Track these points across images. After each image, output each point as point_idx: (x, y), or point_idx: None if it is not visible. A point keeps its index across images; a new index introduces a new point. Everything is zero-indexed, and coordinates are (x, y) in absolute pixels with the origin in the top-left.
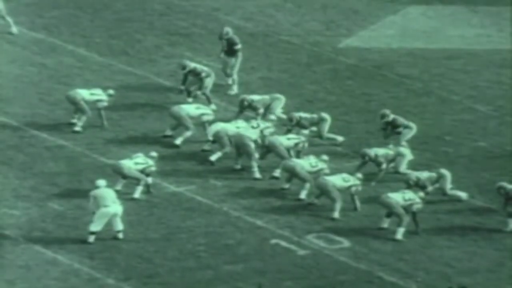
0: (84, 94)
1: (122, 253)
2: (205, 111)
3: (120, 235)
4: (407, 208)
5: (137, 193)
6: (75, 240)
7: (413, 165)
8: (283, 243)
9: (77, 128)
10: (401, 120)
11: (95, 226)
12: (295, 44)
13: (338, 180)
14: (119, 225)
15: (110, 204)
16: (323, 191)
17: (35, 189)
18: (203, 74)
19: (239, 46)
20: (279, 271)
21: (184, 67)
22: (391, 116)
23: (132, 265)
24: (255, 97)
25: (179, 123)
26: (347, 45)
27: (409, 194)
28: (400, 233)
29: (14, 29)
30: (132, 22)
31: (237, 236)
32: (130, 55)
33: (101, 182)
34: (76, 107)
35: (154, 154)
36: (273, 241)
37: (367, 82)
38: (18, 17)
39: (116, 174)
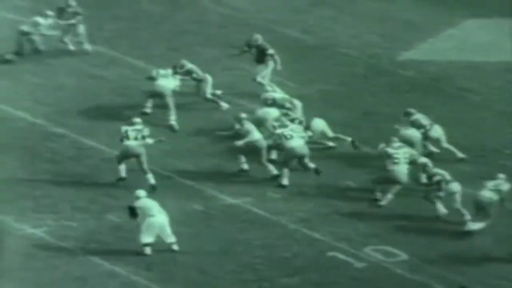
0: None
1: (179, 265)
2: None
3: (175, 247)
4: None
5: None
6: (132, 252)
7: (470, 178)
8: (340, 256)
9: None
10: (424, 121)
11: (147, 238)
12: (353, 56)
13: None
14: (171, 238)
15: (155, 214)
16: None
17: (92, 200)
18: (194, 75)
19: (271, 51)
20: (335, 284)
21: (182, 66)
22: (415, 116)
23: (189, 278)
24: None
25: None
26: (405, 57)
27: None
28: (476, 226)
29: (88, 46)
30: (191, 34)
31: (294, 249)
32: None
33: (141, 192)
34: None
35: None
36: (330, 253)
37: (425, 95)
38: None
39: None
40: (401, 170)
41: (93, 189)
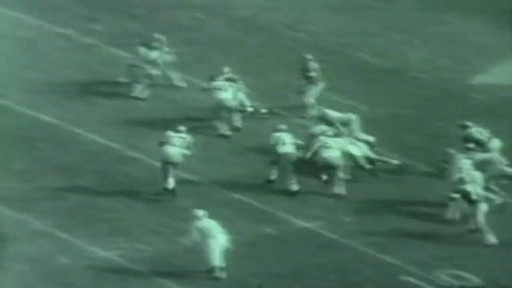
0: None
1: None
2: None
3: (223, 274)
4: None
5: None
6: (204, 275)
7: None
8: (412, 280)
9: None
10: (477, 136)
11: (215, 260)
12: (424, 80)
13: None
14: (221, 261)
15: (217, 235)
16: None
17: (165, 224)
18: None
19: (312, 74)
20: None
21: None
22: (471, 129)
23: None
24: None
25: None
26: (477, 81)
27: None
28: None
29: (182, 83)
30: (263, 58)
31: (365, 272)
32: (262, 90)
33: (202, 213)
34: None
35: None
36: (402, 277)
37: (498, 119)
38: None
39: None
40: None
41: (165, 212)
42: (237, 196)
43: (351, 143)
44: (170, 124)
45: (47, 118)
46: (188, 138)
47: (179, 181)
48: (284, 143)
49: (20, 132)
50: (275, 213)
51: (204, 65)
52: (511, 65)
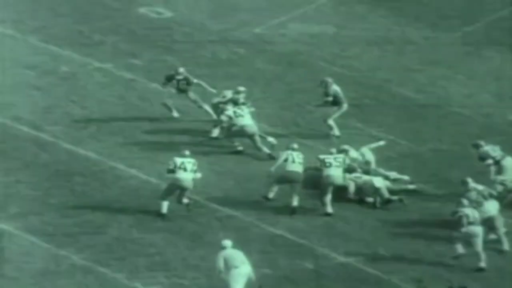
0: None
1: None
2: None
3: None
4: None
5: None
6: None
7: None
8: None
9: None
10: (491, 153)
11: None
12: (466, 115)
13: None
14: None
15: (239, 265)
16: None
17: (204, 259)
18: (194, 80)
19: (328, 99)
20: None
21: (178, 73)
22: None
23: None
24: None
25: None
26: None
27: None
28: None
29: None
30: (303, 93)
31: None
32: (301, 126)
33: (227, 243)
34: None
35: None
36: None
37: None
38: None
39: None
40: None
41: (205, 247)
42: (277, 231)
43: (375, 175)
44: (210, 159)
45: (85, 152)
46: (194, 162)
47: (218, 216)
48: (293, 162)
49: (59, 167)
50: (315, 247)
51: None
52: None
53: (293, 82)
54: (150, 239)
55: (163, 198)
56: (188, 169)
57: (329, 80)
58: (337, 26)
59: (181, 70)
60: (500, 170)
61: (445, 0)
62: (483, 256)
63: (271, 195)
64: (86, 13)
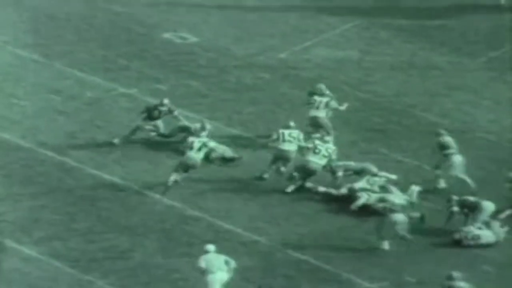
0: None
1: None
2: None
3: None
4: None
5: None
6: None
7: None
8: None
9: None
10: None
11: None
12: (492, 141)
13: None
14: None
15: (215, 271)
16: None
17: (228, 284)
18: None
19: (311, 101)
20: None
21: (162, 104)
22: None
23: None
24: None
25: None
26: None
27: None
28: None
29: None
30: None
31: None
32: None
33: (211, 247)
34: None
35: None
36: None
37: None
38: (214, 113)
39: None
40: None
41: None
42: (302, 256)
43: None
44: (232, 183)
45: (110, 177)
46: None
47: (245, 243)
48: (284, 140)
49: (83, 192)
50: (340, 273)
51: (267, 124)
52: None
53: None
54: (175, 265)
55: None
56: (194, 148)
57: (322, 86)
58: (361, 51)
59: (166, 101)
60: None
61: (470, 25)
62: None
63: (266, 175)
64: (111, 38)
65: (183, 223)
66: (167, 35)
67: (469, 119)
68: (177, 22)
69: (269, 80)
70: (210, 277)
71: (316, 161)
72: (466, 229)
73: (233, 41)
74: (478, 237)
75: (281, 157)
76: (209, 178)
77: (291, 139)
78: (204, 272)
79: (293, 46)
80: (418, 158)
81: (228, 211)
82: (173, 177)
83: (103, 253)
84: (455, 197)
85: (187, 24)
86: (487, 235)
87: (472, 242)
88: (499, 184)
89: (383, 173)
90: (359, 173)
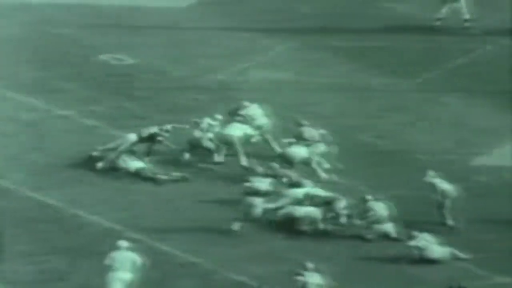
0: None
1: None
2: None
3: None
4: None
5: None
6: None
7: None
8: None
9: None
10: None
11: None
12: (427, 161)
13: None
14: None
15: (117, 269)
16: None
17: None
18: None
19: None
20: None
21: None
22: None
23: None
24: None
25: None
26: (478, 163)
27: None
28: None
29: None
30: None
31: None
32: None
33: (123, 243)
34: None
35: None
36: None
37: (500, 201)
38: None
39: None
40: None
41: None
42: (239, 277)
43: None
44: (171, 205)
45: (49, 199)
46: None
47: (180, 264)
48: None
49: (23, 214)
50: None
51: None
52: (511, 147)
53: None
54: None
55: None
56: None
57: (246, 103)
58: (298, 73)
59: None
60: None
61: (406, 47)
62: None
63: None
64: (48, 60)
65: None
66: (104, 57)
67: (405, 140)
68: (114, 43)
69: (206, 101)
70: (111, 275)
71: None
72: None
73: (169, 63)
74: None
75: None
76: (147, 199)
77: None
78: (109, 269)
79: (230, 67)
80: (357, 178)
81: (166, 232)
82: None
83: (42, 275)
84: None
85: (124, 46)
86: None
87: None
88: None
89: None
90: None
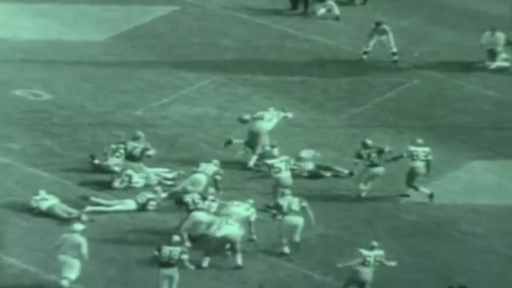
0: None
1: None
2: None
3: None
4: None
5: None
6: None
7: None
8: None
9: None
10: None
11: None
12: (356, 200)
13: None
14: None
15: (66, 252)
16: None
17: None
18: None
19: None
20: None
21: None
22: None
23: None
24: None
25: None
26: (408, 201)
27: None
28: None
29: None
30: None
31: None
32: None
33: (78, 226)
34: None
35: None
36: None
37: (429, 240)
38: (69, 173)
39: None
40: None
41: None
42: None
43: None
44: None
45: None
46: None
47: None
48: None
49: None
50: None
51: None
52: (443, 183)
53: (176, 166)
54: None
55: None
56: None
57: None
58: (220, 108)
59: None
60: None
61: (331, 81)
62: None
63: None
64: None
65: (38, 287)
66: (19, 92)
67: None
68: (30, 79)
69: (126, 138)
70: (59, 257)
71: None
72: None
73: (88, 98)
74: None
75: None
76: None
77: None
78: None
79: (150, 102)
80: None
81: (84, 273)
82: None
83: None
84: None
85: (40, 81)
86: None
87: None
88: (363, 245)
89: None
90: None
